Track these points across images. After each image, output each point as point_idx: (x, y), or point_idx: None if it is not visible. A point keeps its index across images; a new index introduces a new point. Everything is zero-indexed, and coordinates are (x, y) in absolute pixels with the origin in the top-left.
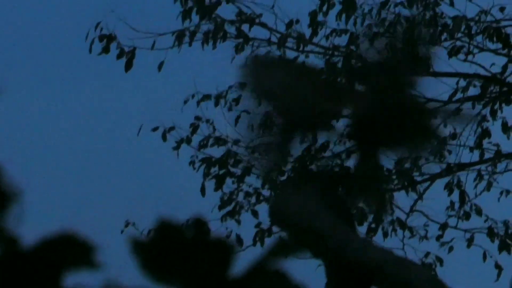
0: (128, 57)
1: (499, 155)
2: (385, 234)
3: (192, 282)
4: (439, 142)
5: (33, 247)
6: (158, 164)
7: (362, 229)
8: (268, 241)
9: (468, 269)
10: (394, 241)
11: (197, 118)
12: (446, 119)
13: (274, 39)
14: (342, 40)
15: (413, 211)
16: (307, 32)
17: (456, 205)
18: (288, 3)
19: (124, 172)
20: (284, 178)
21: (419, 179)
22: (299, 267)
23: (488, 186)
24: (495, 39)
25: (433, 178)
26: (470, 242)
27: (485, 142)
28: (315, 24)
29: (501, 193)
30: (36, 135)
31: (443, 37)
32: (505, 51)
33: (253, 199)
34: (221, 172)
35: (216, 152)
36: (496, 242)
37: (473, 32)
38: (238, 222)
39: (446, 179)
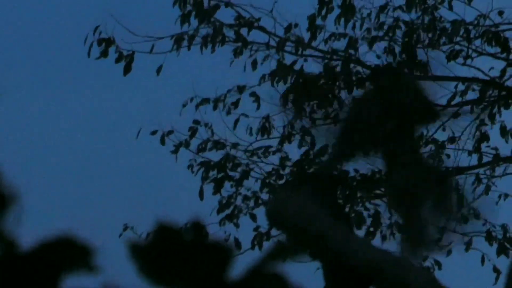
0: (127, 61)
1: (497, 159)
2: (384, 238)
3: (190, 285)
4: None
5: (31, 249)
6: (156, 168)
7: (360, 233)
8: (267, 244)
9: (467, 273)
10: (392, 245)
11: (196, 121)
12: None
13: (272, 43)
14: (341, 44)
15: None
16: (306, 36)
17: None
18: (286, 7)
19: (122, 176)
20: (282, 181)
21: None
22: (297, 270)
23: (487, 190)
24: (493, 43)
25: None
26: (468, 245)
27: (483, 146)
28: (314, 28)
29: (500, 196)
30: (35, 138)
31: (442, 41)
32: (504, 55)
33: (251, 203)
34: (220, 175)
35: (215, 155)
36: (495, 245)
37: (471, 36)
38: (237, 225)
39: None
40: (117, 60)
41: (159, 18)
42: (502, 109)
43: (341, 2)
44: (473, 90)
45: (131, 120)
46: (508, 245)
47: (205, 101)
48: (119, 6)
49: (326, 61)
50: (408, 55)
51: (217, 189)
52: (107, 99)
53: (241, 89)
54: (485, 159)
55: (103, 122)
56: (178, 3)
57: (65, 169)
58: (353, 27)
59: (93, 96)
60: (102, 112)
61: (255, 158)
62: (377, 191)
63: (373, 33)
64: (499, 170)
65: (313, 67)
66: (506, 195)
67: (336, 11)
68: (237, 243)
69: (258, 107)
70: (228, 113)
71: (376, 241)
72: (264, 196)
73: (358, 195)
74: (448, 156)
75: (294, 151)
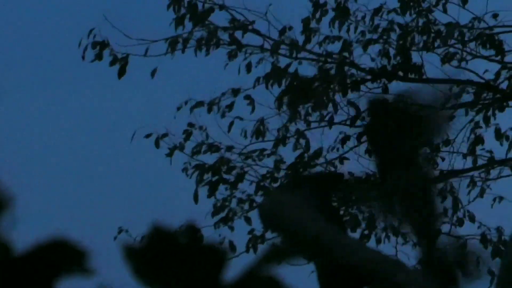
0: (121, 64)
1: (492, 162)
2: (378, 241)
3: None
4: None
5: (26, 252)
6: (151, 171)
7: (355, 236)
8: (261, 247)
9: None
10: (387, 248)
11: (190, 124)
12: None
13: (267, 46)
14: (336, 47)
15: None
16: (300, 39)
17: (449, 212)
18: (281, 10)
19: (117, 178)
20: (277, 184)
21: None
22: (292, 273)
23: (481, 193)
24: (488, 45)
25: None
26: (463, 248)
27: (478, 148)
28: (308, 31)
29: (494, 199)
30: (29, 140)
31: (436, 44)
32: (498, 57)
33: (246, 206)
34: (214, 178)
35: (209, 158)
36: (490, 248)
37: (466, 38)
38: (231, 228)
39: (439, 186)
40: (112, 63)
41: (153, 21)
42: (496, 111)
43: (335, 5)
44: (468, 92)
45: (126, 123)
46: (503, 248)
47: (200, 104)
48: (114, 9)
49: (320, 64)
50: (403, 58)
51: (211, 192)
52: (101, 102)
53: (235, 92)
54: (480, 162)
55: (98, 125)
56: (172, 6)
57: (60, 171)
58: (348, 30)
59: (88, 99)
60: (97, 115)
61: (249, 161)
62: (372, 194)
63: (368, 36)
64: (493, 173)
65: (308, 70)
66: (501, 198)
67: (331, 14)
68: (232, 246)
69: (253, 110)
70: (223, 116)
71: (371, 244)
72: (259, 199)
73: (353, 197)
74: (443, 158)
75: (288, 154)
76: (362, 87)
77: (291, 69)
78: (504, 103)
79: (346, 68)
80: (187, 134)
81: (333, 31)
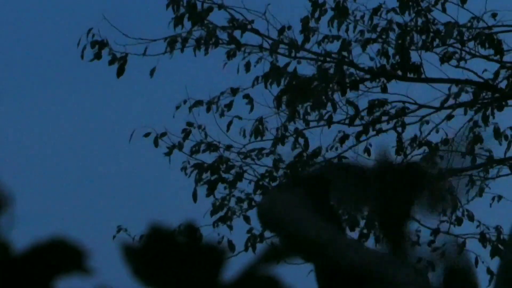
0: (120, 63)
1: (491, 161)
2: (377, 240)
3: (184, 287)
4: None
5: (24, 252)
6: (150, 170)
7: (354, 235)
8: (260, 246)
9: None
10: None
11: (189, 124)
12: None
13: (266, 45)
14: (334, 47)
15: None
16: (299, 38)
17: (448, 211)
18: (280, 9)
19: (116, 178)
20: (276, 183)
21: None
22: (291, 273)
23: (480, 192)
24: (487, 45)
25: None
26: (462, 247)
27: (477, 147)
28: (307, 30)
29: (493, 198)
30: (27, 140)
31: (435, 43)
32: (497, 57)
33: (245, 205)
34: (213, 177)
35: (208, 158)
36: (488, 247)
37: (465, 38)
38: (230, 227)
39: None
40: (110, 62)
41: (152, 21)
42: (495, 111)
43: (334, 5)
44: (467, 92)
45: (124, 122)
46: (502, 247)
47: (199, 103)
48: (113, 8)
49: (319, 63)
50: (402, 57)
51: (210, 191)
52: (100, 101)
53: (234, 91)
54: (479, 161)
55: (97, 124)
56: (171, 6)
57: (59, 170)
58: (346, 30)
59: (87, 98)
60: (96, 114)
61: (248, 160)
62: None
63: (367, 35)
64: (492, 172)
65: (307, 69)
66: (500, 197)
67: (329, 13)
68: (231, 245)
69: (252, 109)
70: (222, 115)
71: (370, 243)
72: (258, 198)
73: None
74: (442, 158)
75: (287, 153)
76: (361, 87)
77: (290, 69)
78: (503, 103)
79: (345, 67)
80: (186, 133)
81: (332, 30)
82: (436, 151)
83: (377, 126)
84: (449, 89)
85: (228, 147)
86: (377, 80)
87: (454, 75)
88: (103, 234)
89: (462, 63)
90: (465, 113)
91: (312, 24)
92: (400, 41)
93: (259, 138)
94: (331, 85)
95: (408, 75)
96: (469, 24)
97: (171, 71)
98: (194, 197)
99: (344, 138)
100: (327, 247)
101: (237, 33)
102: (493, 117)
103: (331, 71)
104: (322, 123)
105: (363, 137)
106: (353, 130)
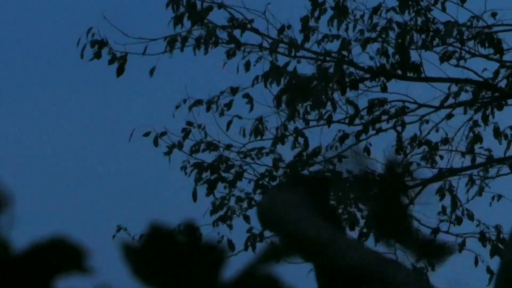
0: (120, 63)
1: (490, 160)
2: (377, 239)
3: (183, 286)
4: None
5: (24, 251)
6: (149, 169)
7: (353, 234)
8: (260, 246)
9: (460, 274)
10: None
11: (189, 123)
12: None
13: (266, 44)
14: (334, 46)
15: None
16: (299, 38)
17: (448, 210)
18: (280, 8)
19: (116, 177)
20: (276, 183)
21: (410, 184)
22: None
23: (480, 191)
24: (487, 44)
25: (424, 183)
26: (462, 246)
27: (477, 147)
28: (307, 30)
29: (493, 198)
30: (27, 140)
31: (435, 43)
32: (497, 56)
33: (244, 204)
34: (213, 177)
35: (208, 157)
36: (488, 246)
37: (465, 37)
38: (230, 227)
39: (437, 184)
40: (110, 62)
41: (152, 20)
42: (495, 110)
43: (334, 4)
44: (466, 91)
45: (124, 121)
46: (501, 246)
47: (198, 102)
48: (113, 7)
49: (319, 62)
50: (401, 56)
51: (210, 191)
52: (100, 101)
53: (234, 90)
54: (479, 160)
55: (97, 123)
56: (171, 5)
57: (59, 170)
58: (346, 29)
59: (87, 97)
60: (96, 114)
61: (248, 159)
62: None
63: (366, 34)
64: (492, 171)
65: (306, 68)
66: (500, 196)
67: (329, 12)
68: (231, 245)
69: (251, 109)
70: (221, 114)
71: (370, 243)
72: (258, 197)
73: (351, 196)
74: (442, 157)
75: (287, 152)
76: (361, 86)
77: (290, 68)
78: (503, 102)
79: (344, 66)
80: (186, 133)
81: (332, 29)
82: (436, 150)
83: (377, 126)
84: (449, 88)
85: (228, 147)
86: (377, 80)
87: (454, 74)
88: (103, 233)
89: (461, 62)
90: (465, 112)
91: (312, 23)
92: (400, 40)
93: (259, 138)
94: (331, 85)
95: (408, 74)
96: (469, 24)
97: (171, 71)
98: (194, 196)
99: (344, 137)
100: (327, 247)
101: (237, 33)
102: (493, 117)
103: (331, 70)
104: (322, 123)
105: (363, 136)
106: (353, 129)
